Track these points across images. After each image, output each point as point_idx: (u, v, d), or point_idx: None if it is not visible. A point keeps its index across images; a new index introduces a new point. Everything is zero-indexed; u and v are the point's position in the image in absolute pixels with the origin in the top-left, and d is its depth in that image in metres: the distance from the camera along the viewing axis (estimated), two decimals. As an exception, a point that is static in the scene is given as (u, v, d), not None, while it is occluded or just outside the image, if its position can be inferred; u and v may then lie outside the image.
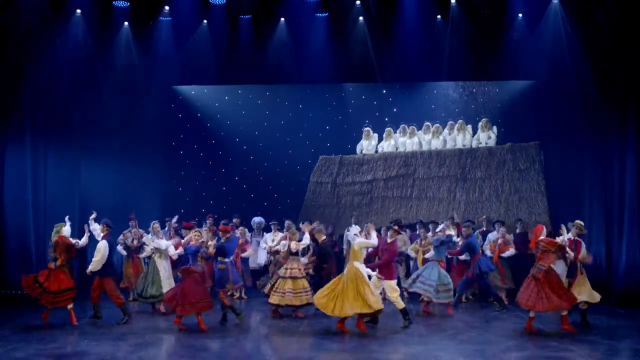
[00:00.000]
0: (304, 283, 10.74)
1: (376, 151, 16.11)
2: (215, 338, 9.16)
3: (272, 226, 13.42)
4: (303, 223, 13.80)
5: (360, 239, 9.84)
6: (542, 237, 9.64)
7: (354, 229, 10.32)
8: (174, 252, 11.41)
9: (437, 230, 12.03)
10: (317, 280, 11.55)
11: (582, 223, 10.35)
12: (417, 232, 12.96)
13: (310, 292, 10.64)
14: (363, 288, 9.35)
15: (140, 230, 13.19)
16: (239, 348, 8.64)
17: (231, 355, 8.38)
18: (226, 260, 10.17)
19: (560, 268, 9.95)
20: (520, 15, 14.52)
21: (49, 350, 8.37)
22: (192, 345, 8.74)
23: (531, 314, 9.47)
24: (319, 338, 9.21)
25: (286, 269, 10.85)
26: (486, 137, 15.32)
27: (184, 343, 8.93)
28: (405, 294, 12.22)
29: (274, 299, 10.70)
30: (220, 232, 10.55)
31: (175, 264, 11.80)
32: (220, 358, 8.28)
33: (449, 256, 12.11)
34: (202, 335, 9.30)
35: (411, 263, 13.00)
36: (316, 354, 8.23)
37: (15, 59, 13.68)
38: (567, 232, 10.09)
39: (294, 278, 10.66)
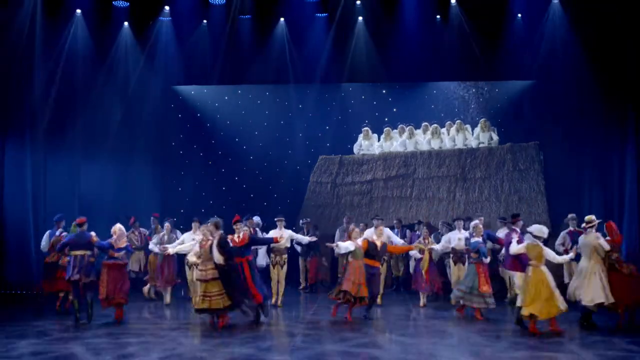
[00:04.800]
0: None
1: (375, 151, 16.09)
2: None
3: (277, 222, 12.20)
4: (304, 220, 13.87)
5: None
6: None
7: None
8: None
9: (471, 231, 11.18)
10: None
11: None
12: (417, 232, 12.93)
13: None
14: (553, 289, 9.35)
15: (142, 230, 13.30)
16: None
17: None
18: None
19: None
20: (520, 15, 14.54)
21: (49, 350, 8.37)
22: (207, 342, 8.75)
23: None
24: (316, 335, 9.22)
25: None
26: (488, 137, 15.30)
27: (190, 341, 8.94)
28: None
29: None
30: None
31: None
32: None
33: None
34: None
35: (411, 263, 12.97)
36: (317, 352, 8.22)
37: (16, 59, 13.71)
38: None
39: None
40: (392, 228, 13.82)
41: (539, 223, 13.44)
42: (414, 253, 12.08)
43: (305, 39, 15.15)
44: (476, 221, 11.20)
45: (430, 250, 11.79)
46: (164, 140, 16.80)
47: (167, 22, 15.24)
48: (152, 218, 13.53)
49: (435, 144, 15.58)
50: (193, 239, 11.07)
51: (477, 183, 14.89)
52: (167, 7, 14.93)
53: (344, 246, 10.44)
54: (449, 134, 15.63)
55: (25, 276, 13.64)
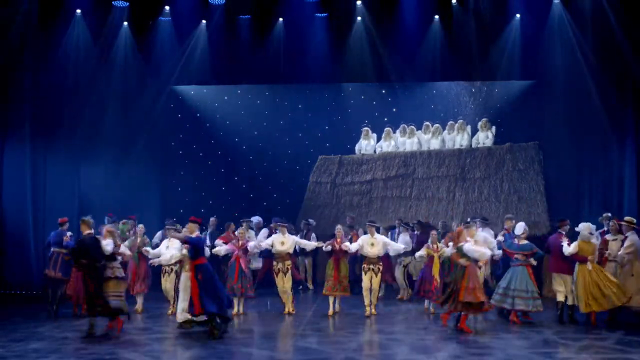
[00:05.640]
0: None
1: (375, 151, 16.11)
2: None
3: (278, 228, 11.55)
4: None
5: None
6: None
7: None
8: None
9: (520, 233, 10.53)
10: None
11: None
12: (416, 232, 12.77)
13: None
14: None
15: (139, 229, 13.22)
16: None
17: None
18: None
19: None
20: (518, 15, 14.56)
21: (48, 350, 8.39)
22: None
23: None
24: (311, 334, 9.23)
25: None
26: (485, 136, 15.32)
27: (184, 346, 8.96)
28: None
29: None
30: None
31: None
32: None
33: None
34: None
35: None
36: (317, 352, 8.22)
37: (16, 59, 13.73)
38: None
39: None
40: (393, 228, 13.84)
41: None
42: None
43: (304, 39, 15.16)
44: (522, 223, 10.71)
45: (440, 256, 11.54)
46: (164, 140, 16.80)
47: (167, 22, 15.25)
48: (106, 218, 12.96)
49: (435, 144, 15.58)
50: (167, 247, 10.90)
51: (476, 183, 14.88)
52: (167, 7, 14.95)
53: (483, 252, 9.68)
54: (449, 134, 15.65)
55: (25, 276, 13.67)
